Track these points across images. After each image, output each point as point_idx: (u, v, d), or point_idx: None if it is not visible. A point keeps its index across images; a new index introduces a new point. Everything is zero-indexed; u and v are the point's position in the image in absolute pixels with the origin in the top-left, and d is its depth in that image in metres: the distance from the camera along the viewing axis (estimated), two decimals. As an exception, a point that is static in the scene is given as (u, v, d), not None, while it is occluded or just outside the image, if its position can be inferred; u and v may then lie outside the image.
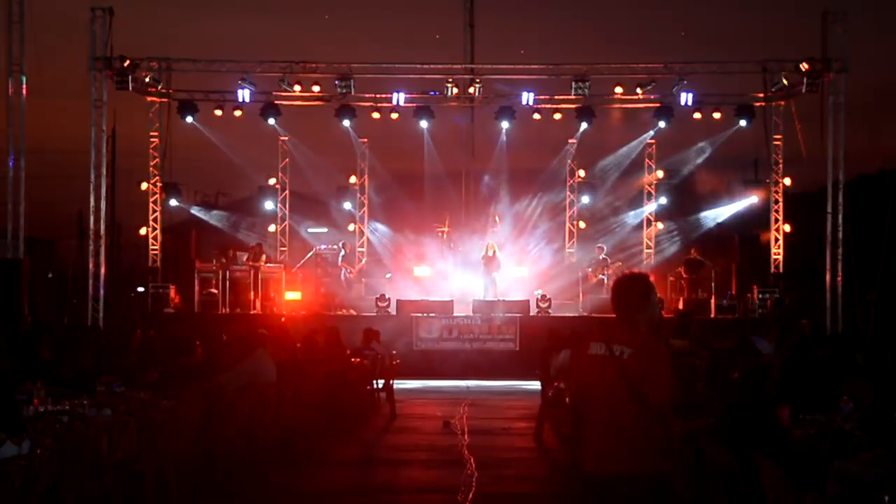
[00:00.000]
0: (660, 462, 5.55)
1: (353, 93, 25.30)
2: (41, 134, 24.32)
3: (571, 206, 27.94)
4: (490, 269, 25.26)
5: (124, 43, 24.52)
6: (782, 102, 25.86)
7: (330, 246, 26.89)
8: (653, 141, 27.44)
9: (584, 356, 5.81)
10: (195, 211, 28.82)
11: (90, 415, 8.82)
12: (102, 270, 24.32)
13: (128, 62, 24.29)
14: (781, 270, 25.98)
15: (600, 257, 26.02)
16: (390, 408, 16.65)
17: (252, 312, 24.00)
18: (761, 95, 25.86)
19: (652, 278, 6.04)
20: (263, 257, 25.31)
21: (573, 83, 24.99)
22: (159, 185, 26.57)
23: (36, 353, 12.46)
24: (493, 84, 26.15)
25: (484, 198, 27.80)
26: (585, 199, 27.90)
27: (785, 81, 24.76)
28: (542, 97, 25.93)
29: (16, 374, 10.38)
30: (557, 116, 26.36)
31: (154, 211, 26.62)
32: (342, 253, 26.33)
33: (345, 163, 28.20)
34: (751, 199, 27.10)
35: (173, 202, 27.11)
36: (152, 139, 26.50)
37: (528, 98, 25.55)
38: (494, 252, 25.34)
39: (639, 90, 25.20)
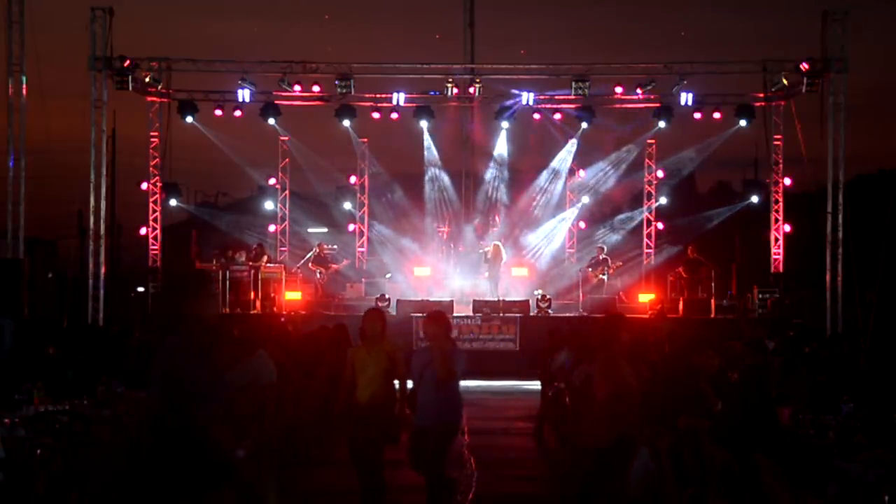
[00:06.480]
0: None
1: (353, 93, 25.28)
2: (41, 134, 24.33)
3: (572, 206, 27.94)
4: (494, 269, 25.30)
5: (124, 43, 24.57)
6: (782, 102, 25.85)
7: (331, 246, 26.92)
8: (653, 141, 27.44)
9: None
10: (195, 211, 28.78)
11: (90, 415, 8.82)
12: (102, 270, 24.32)
13: (128, 62, 24.28)
14: (781, 270, 25.96)
15: (600, 257, 26.02)
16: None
17: (252, 312, 23.97)
18: (761, 95, 25.84)
19: None
20: (264, 257, 25.29)
21: (573, 83, 24.96)
22: (159, 185, 26.55)
23: (38, 353, 12.46)
24: (493, 84, 26.15)
25: (484, 198, 27.80)
26: (586, 199, 27.91)
27: (785, 81, 24.73)
28: (542, 97, 25.93)
29: (17, 373, 10.38)
30: (557, 116, 26.38)
31: (154, 211, 26.60)
32: (315, 252, 26.21)
33: (345, 163, 28.26)
34: (751, 199, 27.12)
35: (173, 202, 27.09)
36: (152, 139, 26.48)
37: (528, 98, 25.54)
38: (499, 250, 25.38)
39: (639, 90, 25.18)
